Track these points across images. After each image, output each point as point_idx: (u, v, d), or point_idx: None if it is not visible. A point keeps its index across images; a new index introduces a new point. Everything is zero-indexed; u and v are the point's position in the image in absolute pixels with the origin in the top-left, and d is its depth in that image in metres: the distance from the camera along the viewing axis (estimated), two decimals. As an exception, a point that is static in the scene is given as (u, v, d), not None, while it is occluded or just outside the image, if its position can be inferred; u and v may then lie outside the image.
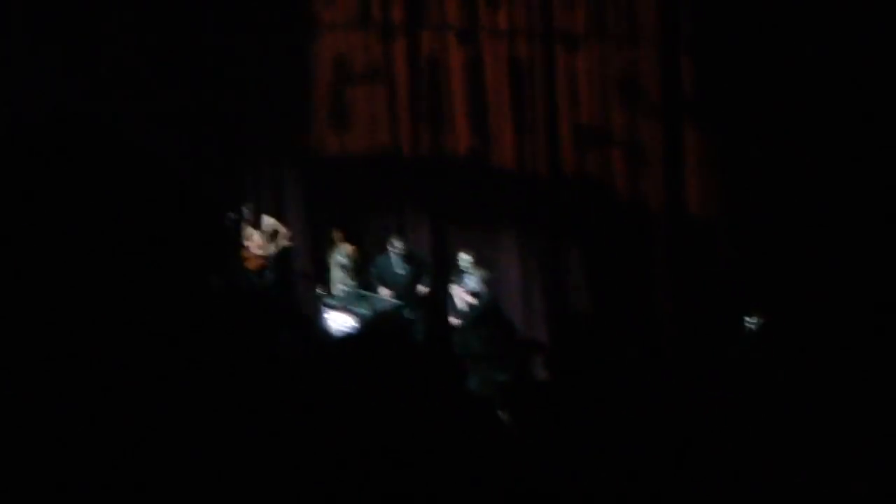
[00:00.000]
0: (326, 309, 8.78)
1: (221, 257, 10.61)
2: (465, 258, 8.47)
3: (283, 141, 10.14)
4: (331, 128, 9.89)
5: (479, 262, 8.81)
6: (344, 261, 9.57)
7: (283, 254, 10.05)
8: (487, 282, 8.22)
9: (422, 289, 8.81)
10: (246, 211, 9.82)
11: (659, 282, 8.33)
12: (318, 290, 9.31)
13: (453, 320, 8.59)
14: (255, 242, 9.75)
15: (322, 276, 9.73)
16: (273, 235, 9.86)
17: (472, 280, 8.29)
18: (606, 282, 8.55)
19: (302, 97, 9.95)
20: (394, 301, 8.70)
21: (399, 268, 8.91)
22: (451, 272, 8.64)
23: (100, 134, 1.94)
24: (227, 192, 9.79)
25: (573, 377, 8.44)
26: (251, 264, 9.74)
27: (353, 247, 9.62)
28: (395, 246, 8.87)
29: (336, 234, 9.65)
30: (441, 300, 8.78)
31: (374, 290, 8.96)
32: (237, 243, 9.62)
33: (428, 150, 9.38)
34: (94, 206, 1.80)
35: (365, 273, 9.22)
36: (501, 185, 8.97)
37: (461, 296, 8.40)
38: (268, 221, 9.89)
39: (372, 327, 2.44)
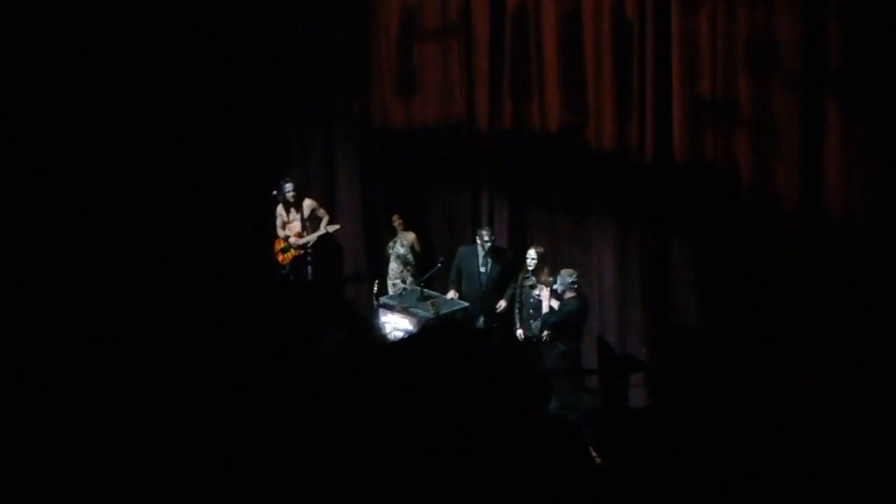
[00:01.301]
0: (382, 310, 8.89)
1: (251, 247, 10.74)
2: (533, 255, 8.49)
3: (336, 107, 10.42)
4: (395, 93, 10.09)
5: (559, 258, 8.91)
6: (404, 252, 9.70)
7: (326, 243, 10.21)
8: (572, 284, 8.15)
9: (502, 303, 8.81)
10: (287, 189, 9.87)
11: (786, 293, 8.25)
12: (373, 288, 9.43)
13: (524, 330, 8.63)
14: (294, 230, 9.92)
15: (377, 270, 9.96)
16: (315, 220, 10.02)
17: (555, 281, 8.28)
18: (721, 289, 8.48)
19: (361, 55, 10.19)
20: (462, 304, 8.83)
21: (483, 266, 8.94)
22: (522, 271, 8.70)
23: (123, 69, 1.92)
24: (263, 165, 10.00)
25: (676, 404, 8.38)
26: (286, 257, 9.92)
27: (416, 235, 9.79)
28: (484, 238, 8.86)
29: (396, 221, 9.80)
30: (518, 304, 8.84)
31: (445, 289, 9.08)
32: (271, 230, 9.80)
33: (510, 123, 9.48)
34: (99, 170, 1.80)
35: (428, 267, 9.39)
36: (598, 168, 9.02)
37: (538, 299, 8.41)
38: (309, 203, 9.99)
39: (434, 333, 2.15)
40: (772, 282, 8.30)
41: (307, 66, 10.24)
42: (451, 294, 9.02)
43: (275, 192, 9.79)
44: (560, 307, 8.17)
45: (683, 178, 8.60)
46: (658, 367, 8.79)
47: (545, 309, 8.21)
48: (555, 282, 8.28)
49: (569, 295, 8.12)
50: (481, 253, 8.95)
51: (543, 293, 8.25)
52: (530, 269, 8.52)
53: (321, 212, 10.01)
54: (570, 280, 8.10)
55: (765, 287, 8.32)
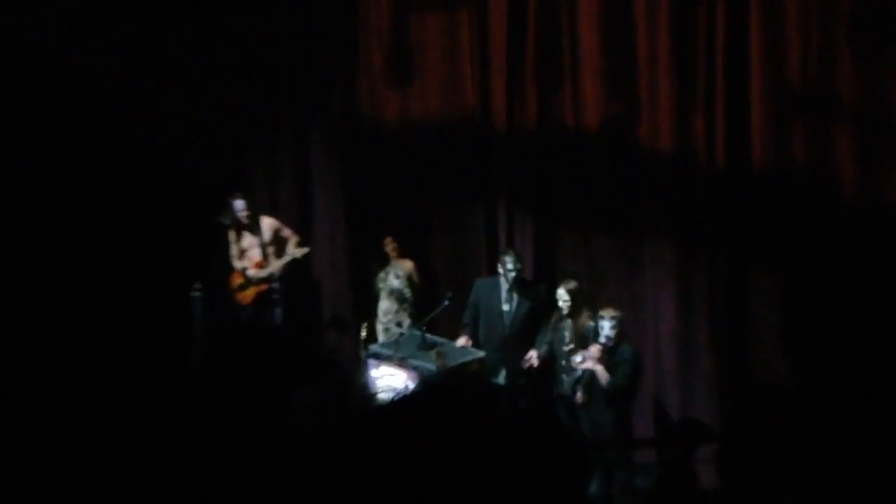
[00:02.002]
0: (371, 362, 8.82)
1: (199, 288, 10.92)
2: (563, 295, 8.42)
3: (312, 100, 10.45)
4: (387, 80, 10.10)
5: (600, 295, 8.91)
6: (399, 286, 9.65)
7: (299, 275, 10.19)
8: (617, 326, 8.08)
9: (533, 356, 8.69)
10: (238, 209, 9.86)
11: None
12: (359, 333, 9.25)
13: (563, 388, 8.53)
14: (253, 260, 9.93)
15: (365, 310, 9.93)
16: (280, 244, 9.98)
17: (603, 327, 8.10)
18: (816, 335, 8.48)
19: (344, 33, 10.19)
20: (477, 353, 8.71)
21: (507, 302, 8.93)
22: (554, 316, 8.67)
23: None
24: (214, 176, 10.16)
25: (756, 486, 8.19)
26: (246, 295, 9.96)
27: (414, 264, 9.76)
28: (508, 266, 8.81)
29: (389, 245, 9.75)
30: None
31: (454, 334, 9.01)
32: (223, 262, 9.85)
33: (536, 119, 9.51)
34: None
35: (430, 306, 9.27)
36: (652, 176, 9.01)
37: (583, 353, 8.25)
38: (269, 224, 9.98)
39: (438, 392, 2.18)
40: (885, 325, 8.24)
41: (273, 47, 10.30)
42: (462, 340, 8.90)
43: (224, 216, 9.83)
44: (617, 362, 8.04)
45: (765, 188, 8.62)
46: (733, 437, 8.70)
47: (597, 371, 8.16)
48: (594, 328, 8.25)
49: (607, 339, 8.02)
50: (504, 286, 8.90)
51: (587, 362, 8.13)
52: (564, 312, 8.47)
53: (286, 232, 10.00)
54: (611, 323, 8.01)
55: (875, 332, 8.26)
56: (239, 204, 9.79)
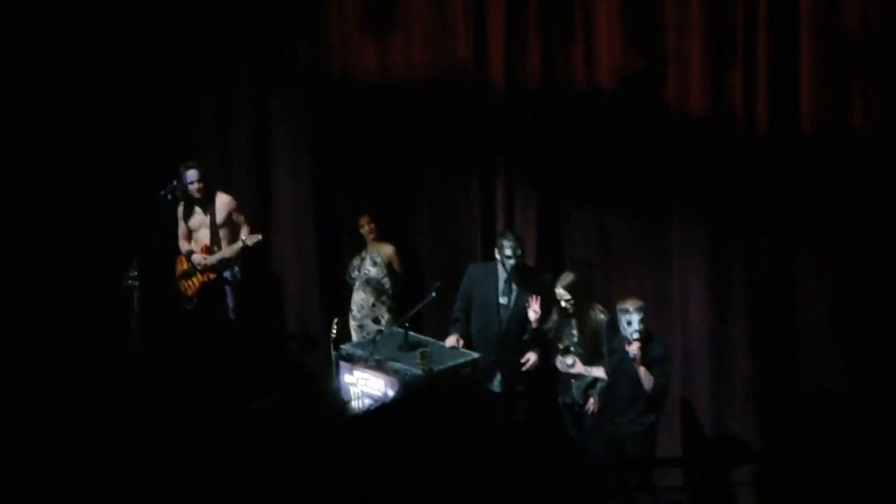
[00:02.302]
0: (343, 365, 8.87)
1: (136, 276, 11.00)
2: (563, 293, 8.47)
3: (274, 52, 10.44)
4: (363, 28, 10.15)
5: (614, 285, 9.08)
6: (377, 275, 9.64)
7: (257, 262, 10.22)
8: (642, 321, 8.07)
9: (532, 357, 8.80)
10: (189, 179, 9.76)
11: None
12: (330, 331, 9.23)
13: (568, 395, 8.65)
14: (201, 243, 9.85)
15: (337, 303, 9.96)
16: (234, 228, 9.91)
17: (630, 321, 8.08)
18: (877, 333, 8.47)
19: None
20: (470, 354, 8.71)
21: (505, 294, 8.95)
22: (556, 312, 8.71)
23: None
24: (156, 141, 10.12)
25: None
26: (191, 284, 9.94)
27: (395, 249, 9.76)
28: (506, 252, 8.79)
29: (365, 226, 9.72)
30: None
31: (443, 332, 9.02)
32: (166, 245, 9.83)
33: (540, 75, 9.51)
34: None
35: (414, 298, 9.32)
36: (681, 144, 8.99)
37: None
38: (224, 203, 9.89)
39: (422, 400, 2.16)
40: None
41: None
42: (452, 340, 8.87)
43: (171, 188, 9.69)
44: (651, 360, 8.02)
45: (815, 157, 8.63)
46: (775, 456, 8.51)
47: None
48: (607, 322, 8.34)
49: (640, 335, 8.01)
50: (502, 276, 8.84)
51: (588, 371, 8.38)
52: (569, 311, 8.49)
53: (239, 217, 9.94)
54: (640, 315, 7.99)
55: None
56: (191, 174, 9.64)
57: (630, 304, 8.04)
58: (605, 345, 8.30)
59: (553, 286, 8.63)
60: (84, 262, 9.51)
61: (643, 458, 8.19)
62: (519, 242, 8.81)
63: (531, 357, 8.72)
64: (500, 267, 8.86)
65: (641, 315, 7.96)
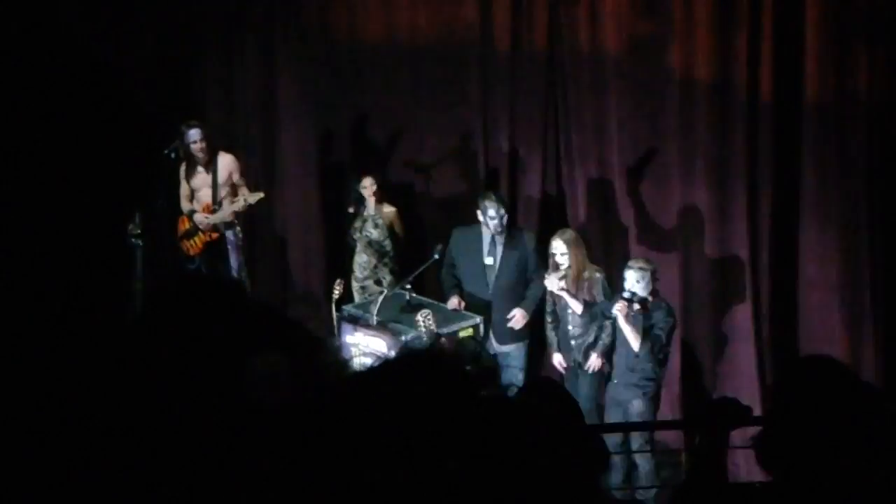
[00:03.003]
0: (345, 325, 8.92)
1: (139, 234, 10.94)
2: (561, 247, 8.42)
3: (278, 14, 10.49)
4: None
5: (616, 249, 9.08)
6: (379, 237, 9.64)
7: (259, 222, 10.31)
8: (648, 280, 8.00)
9: (517, 314, 8.80)
10: (191, 139, 9.72)
11: None
12: (332, 292, 9.22)
13: (564, 357, 8.64)
14: (203, 202, 9.81)
15: (339, 265, 10.00)
16: (235, 188, 9.89)
17: (635, 282, 7.99)
18: (881, 286, 8.59)
19: None
20: (473, 318, 8.75)
21: (490, 254, 8.93)
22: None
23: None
24: (160, 100, 10.16)
25: (811, 480, 8.10)
26: (194, 243, 9.91)
27: (397, 211, 9.74)
28: (490, 213, 8.76)
29: (368, 188, 9.69)
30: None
31: (442, 294, 9.08)
32: (169, 204, 9.81)
33: (546, 39, 9.57)
34: None
35: (417, 260, 9.26)
36: (687, 110, 9.06)
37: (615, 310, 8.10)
38: (227, 162, 9.85)
39: (419, 361, 2.16)
40: None
41: None
42: (454, 301, 8.92)
43: (174, 146, 9.65)
44: (652, 325, 8.00)
45: (821, 125, 8.65)
46: (779, 419, 8.45)
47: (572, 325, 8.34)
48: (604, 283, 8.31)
49: (631, 295, 7.95)
50: (486, 237, 8.87)
51: (570, 301, 8.30)
52: (562, 266, 8.35)
53: (241, 178, 9.90)
54: (637, 275, 7.91)
55: None
56: (193, 133, 9.58)
57: (632, 263, 8.05)
58: (600, 304, 8.25)
59: (543, 242, 8.64)
60: (85, 216, 9.47)
61: (643, 421, 8.07)
62: (502, 202, 8.79)
63: (517, 313, 8.69)
64: (483, 228, 8.85)
65: (640, 275, 7.89)
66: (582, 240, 8.53)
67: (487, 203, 8.70)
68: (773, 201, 8.79)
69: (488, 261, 8.87)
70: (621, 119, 9.21)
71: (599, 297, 8.27)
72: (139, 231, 9.36)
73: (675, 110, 8.98)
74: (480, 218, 8.80)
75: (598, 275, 8.33)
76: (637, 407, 8.02)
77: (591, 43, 9.28)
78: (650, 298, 7.90)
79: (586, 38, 9.29)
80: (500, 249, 8.85)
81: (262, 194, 9.73)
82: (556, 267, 8.36)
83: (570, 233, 8.51)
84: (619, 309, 7.86)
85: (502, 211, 8.69)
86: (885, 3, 8.29)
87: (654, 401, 8.10)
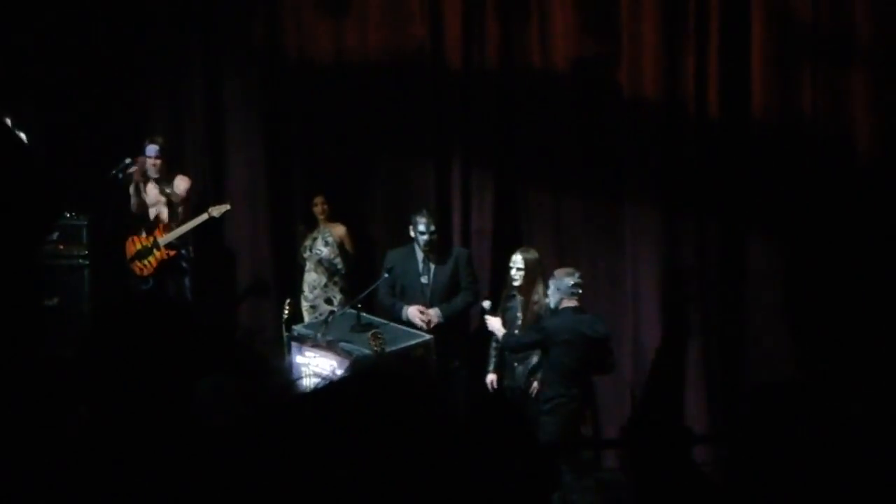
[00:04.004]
0: (295, 345, 8.81)
1: (86, 255, 10.76)
2: (519, 261, 8.56)
3: (227, 31, 10.41)
4: (319, 8, 10.13)
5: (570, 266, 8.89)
6: (329, 255, 9.68)
7: (210, 243, 10.15)
8: (573, 289, 8.02)
9: (433, 315, 8.81)
10: (150, 154, 9.73)
11: None
12: (284, 308, 9.19)
13: (504, 376, 8.63)
14: (161, 221, 9.81)
15: (289, 284, 10.03)
16: (187, 206, 9.84)
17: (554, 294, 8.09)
18: (827, 315, 8.52)
19: None
20: (423, 336, 8.69)
21: (424, 273, 9.03)
22: (506, 287, 8.87)
23: None
24: (105, 121, 10.09)
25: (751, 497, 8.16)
26: (148, 264, 9.85)
27: (347, 230, 9.79)
28: (421, 229, 8.89)
29: (318, 206, 9.74)
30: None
31: (389, 308, 9.06)
32: (121, 225, 9.75)
33: (497, 57, 9.57)
34: None
35: (367, 279, 9.30)
36: (634, 128, 9.06)
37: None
38: (183, 184, 9.87)
39: (371, 378, 2.11)
40: None
41: None
42: (413, 310, 8.85)
43: (121, 168, 9.63)
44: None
45: (766, 142, 8.68)
46: (725, 438, 8.69)
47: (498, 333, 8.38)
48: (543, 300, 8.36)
49: (566, 305, 8.03)
50: (420, 256, 8.99)
51: (493, 326, 8.37)
52: (515, 282, 8.45)
53: (191, 198, 9.88)
54: (569, 283, 8.02)
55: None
56: (152, 149, 9.63)
57: (556, 274, 8.10)
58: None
59: (472, 258, 8.83)
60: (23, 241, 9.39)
61: (572, 435, 8.11)
62: (432, 219, 8.86)
63: (430, 312, 8.74)
64: (416, 247, 8.93)
65: (560, 281, 7.98)
66: (541, 265, 8.53)
67: (418, 218, 8.82)
68: (720, 219, 8.83)
69: (423, 280, 8.95)
70: (571, 137, 9.23)
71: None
72: (85, 252, 9.31)
73: (624, 128, 9.01)
74: (412, 235, 8.86)
75: (546, 300, 8.34)
76: (542, 424, 7.97)
77: (542, 61, 9.30)
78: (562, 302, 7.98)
79: (537, 57, 9.32)
80: (432, 267, 8.93)
81: (227, 206, 9.74)
82: (511, 282, 8.44)
83: (534, 253, 8.57)
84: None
85: (432, 227, 8.80)
86: (828, 23, 8.36)
87: (560, 419, 8.02)
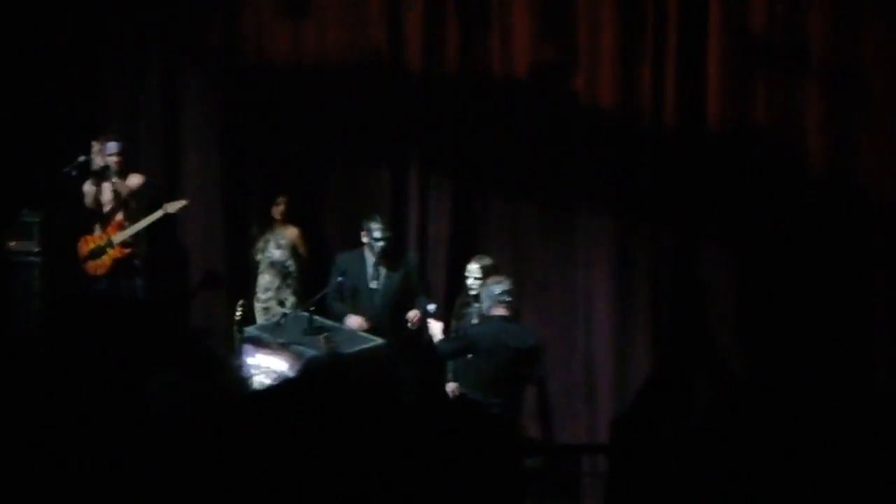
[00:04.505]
0: (248, 346, 8.81)
1: (37, 252, 10.75)
2: (475, 270, 8.67)
3: (185, 33, 10.44)
4: (277, 11, 10.16)
5: (525, 276, 9.06)
6: (281, 257, 9.70)
7: (164, 242, 10.15)
8: (500, 297, 8.04)
9: (413, 315, 8.92)
10: (110, 151, 9.76)
11: (878, 328, 8.31)
12: (237, 309, 9.18)
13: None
14: (113, 219, 9.79)
15: (243, 285, 10.02)
16: (139, 204, 9.85)
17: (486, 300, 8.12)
18: (778, 325, 8.53)
19: None
20: (375, 340, 8.73)
21: (374, 278, 9.05)
22: (461, 294, 8.95)
23: None
24: (58, 118, 10.10)
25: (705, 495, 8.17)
26: (101, 263, 9.83)
27: (300, 232, 9.84)
28: (374, 234, 8.90)
29: (279, 206, 9.81)
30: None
31: (337, 313, 9.06)
32: (75, 223, 9.79)
33: (456, 63, 9.59)
34: None
35: (319, 282, 9.31)
36: (590, 136, 9.07)
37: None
38: (137, 182, 9.91)
39: (324, 377, 2.22)
40: (855, 314, 8.31)
41: None
42: (356, 321, 8.94)
43: (76, 164, 9.66)
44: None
45: (720, 152, 8.67)
46: (675, 444, 8.64)
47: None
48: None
49: (495, 313, 8.06)
50: (370, 260, 9.05)
51: (433, 326, 8.37)
52: (471, 291, 8.55)
53: (144, 196, 9.93)
54: (496, 290, 8.05)
55: (844, 322, 8.33)
56: (112, 146, 9.71)
57: (487, 282, 8.16)
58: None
59: (423, 263, 8.95)
60: None
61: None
62: (385, 225, 8.93)
63: (411, 313, 8.79)
64: (367, 252, 8.98)
65: (489, 290, 8.02)
66: (496, 270, 8.56)
67: (372, 224, 8.91)
68: (673, 229, 8.84)
69: (373, 284, 8.99)
70: (528, 144, 9.25)
71: None
72: (38, 249, 9.27)
73: (581, 137, 9.02)
74: (364, 240, 8.94)
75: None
76: None
77: (502, 68, 9.31)
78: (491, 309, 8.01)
79: (497, 63, 9.32)
80: (383, 272, 8.95)
81: (184, 202, 9.79)
82: (467, 290, 8.46)
83: (487, 260, 8.65)
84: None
85: (387, 233, 8.88)
86: (783, 36, 8.38)
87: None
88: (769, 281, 8.57)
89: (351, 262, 9.05)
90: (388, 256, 8.98)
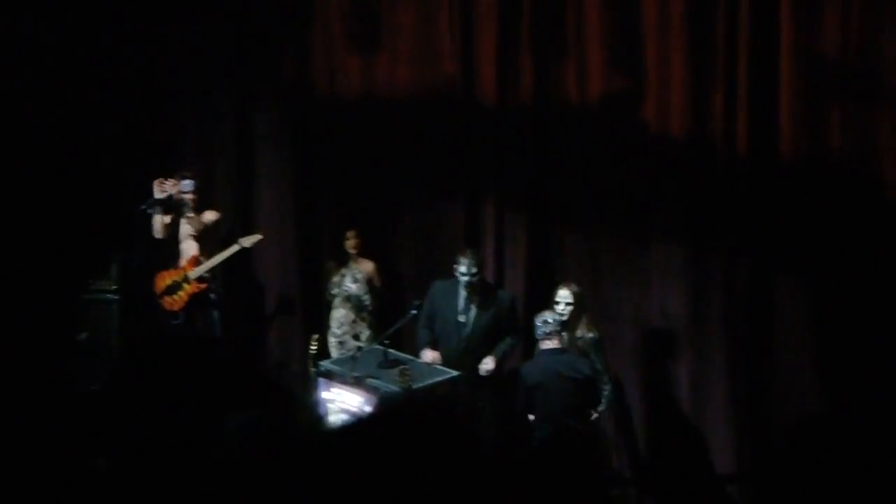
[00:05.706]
0: (323, 381, 8.77)
1: (116, 289, 10.76)
2: (566, 296, 8.63)
3: (257, 69, 10.53)
4: (349, 46, 10.20)
5: (601, 306, 9.02)
6: (358, 291, 9.73)
7: (238, 277, 10.18)
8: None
9: (489, 363, 8.86)
10: (185, 189, 9.87)
11: None
12: (311, 343, 9.23)
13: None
14: (188, 255, 9.89)
15: (317, 319, 10.02)
16: (214, 240, 9.95)
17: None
18: (854, 346, 8.47)
19: None
20: (449, 372, 8.70)
21: (464, 312, 8.97)
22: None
23: None
24: (134, 156, 10.24)
25: None
26: (178, 298, 9.92)
27: (375, 266, 9.86)
28: (462, 270, 8.85)
29: (350, 242, 9.82)
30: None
31: (419, 340, 9.07)
32: (151, 259, 9.88)
33: (531, 95, 9.58)
34: None
35: (394, 316, 9.30)
36: (661, 165, 9.11)
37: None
38: (212, 218, 10.02)
39: (400, 416, 2.13)
40: None
41: (209, 8, 10.40)
42: (430, 355, 8.92)
43: (150, 202, 9.73)
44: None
45: (794, 180, 8.65)
46: (753, 482, 8.66)
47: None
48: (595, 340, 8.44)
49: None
50: (462, 294, 8.96)
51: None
52: (562, 317, 8.49)
53: (219, 232, 9.98)
54: (538, 323, 8.19)
55: None
56: (188, 184, 9.79)
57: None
58: (597, 362, 8.38)
59: (515, 303, 8.90)
60: (44, 272, 9.52)
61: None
62: (475, 260, 8.87)
63: (489, 364, 8.73)
64: (461, 285, 8.91)
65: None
66: (585, 298, 8.62)
67: (461, 258, 8.84)
68: (748, 258, 8.82)
69: (461, 318, 8.91)
70: (602, 175, 9.26)
71: (592, 357, 8.39)
72: (115, 286, 9.40)
73: (651, 166, 9.03)
74: (456, 273, 8.88)
75: (590, 335, 8.47)
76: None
77: (579, 98, 9.31)
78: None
79: (572, 95, 9.33)
80: (473, 308, 8.90)
81: (260, 236, 9.88)
82: (557, 316, 8.45)
83: (576, 287, 8.65)
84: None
85: (473, 269, 8.78)
86: (856, 61, 8.37)
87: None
88: (847, 309, 8.49)
89: (444, 291, 8.99)
90: (479, 293, 8.90)
